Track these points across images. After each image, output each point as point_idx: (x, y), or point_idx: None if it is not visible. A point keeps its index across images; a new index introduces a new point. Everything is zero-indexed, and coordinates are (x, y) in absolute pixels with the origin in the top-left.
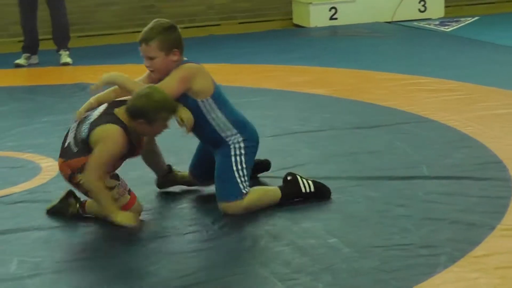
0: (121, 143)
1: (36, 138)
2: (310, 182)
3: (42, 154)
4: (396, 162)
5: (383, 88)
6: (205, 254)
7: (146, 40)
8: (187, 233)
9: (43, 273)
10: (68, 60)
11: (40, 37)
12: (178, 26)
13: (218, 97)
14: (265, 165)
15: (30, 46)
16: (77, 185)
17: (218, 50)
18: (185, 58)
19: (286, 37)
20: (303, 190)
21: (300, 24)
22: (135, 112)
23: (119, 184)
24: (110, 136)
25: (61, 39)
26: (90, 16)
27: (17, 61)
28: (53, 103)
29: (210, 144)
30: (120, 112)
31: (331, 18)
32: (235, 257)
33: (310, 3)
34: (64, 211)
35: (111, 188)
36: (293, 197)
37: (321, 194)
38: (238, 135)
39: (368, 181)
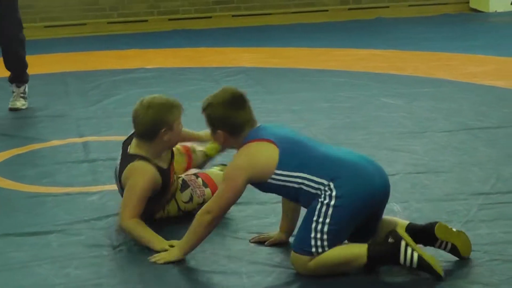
0: (149, 175)
1: None
2: (415, 255)
3: None
4: None
5: None
6: None
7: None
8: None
9: None
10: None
11: None
12: (342, 6)
13: (291, 161)
14: (427, 232)
15: None
16: None
17: (387, 35)
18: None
19: (462, 22)
20: (401, 261)
21: (478, 8)
22: (152, 130)
23: (191, 188)
24: (136, 170)
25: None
26: None
27: None
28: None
29: (309, 206)
30: (134, 148)
31: None
32: None
33: None
34: None
35: (187, 202)
36: (384, 263)
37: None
38: (331, 183)
39: None
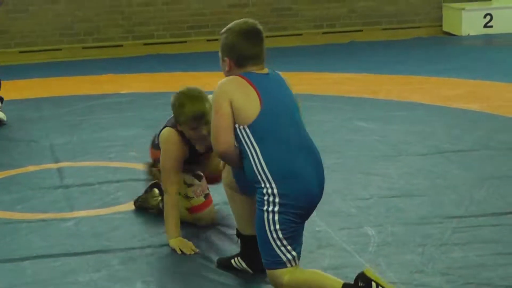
0: (174, 144)
1: None
2: None
3: None
4: None
5: None
6: None
7: None
8: None
9: None
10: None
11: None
12: (316, 30)
13: (261, 132)
14: None
15: None
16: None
17: (360, 58)
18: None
19: (435, 45)
20: None
21: (451, 31)
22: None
23: (198, 184)
24: (165, 139)
25: None
26: (223, 17)
27: None
28: None
29: (249, 179)
30: None
31: (485, 26)
32: None
33: (463, 8)
34: (147, 203)
35: (189, 185)
36: None
37: None
38: (274, 187)
39: None
